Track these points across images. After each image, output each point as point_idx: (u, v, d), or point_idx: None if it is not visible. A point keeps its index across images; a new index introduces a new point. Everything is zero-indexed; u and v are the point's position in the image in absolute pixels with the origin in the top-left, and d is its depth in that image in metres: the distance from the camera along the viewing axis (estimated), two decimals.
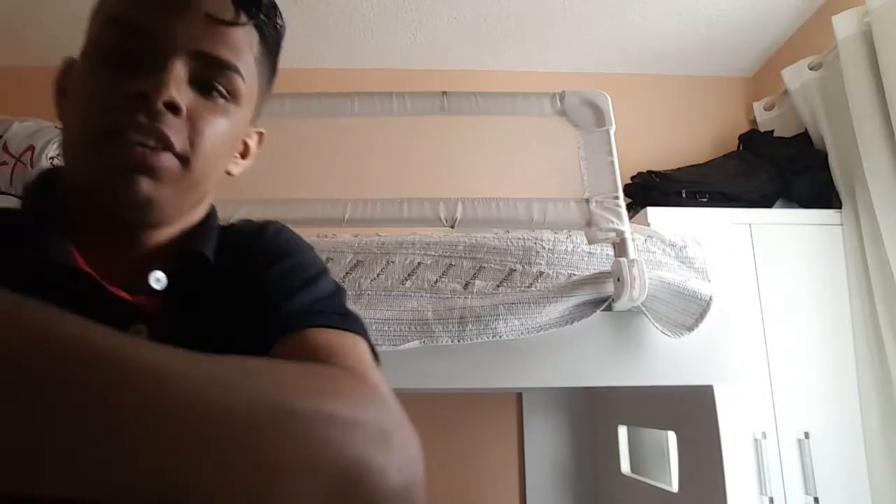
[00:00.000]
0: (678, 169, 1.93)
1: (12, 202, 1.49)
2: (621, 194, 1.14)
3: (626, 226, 1.10)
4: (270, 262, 0.50)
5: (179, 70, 0.44)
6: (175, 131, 0.44)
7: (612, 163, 1.15)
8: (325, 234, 1.28)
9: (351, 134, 1.91)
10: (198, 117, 0.46)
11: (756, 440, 1.46)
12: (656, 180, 1.83)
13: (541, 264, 1.14)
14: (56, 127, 1.63)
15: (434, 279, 1.12)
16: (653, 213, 1.67)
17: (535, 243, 1.16)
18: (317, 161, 1.93)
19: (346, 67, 2.21)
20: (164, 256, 0.49)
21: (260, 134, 0.58)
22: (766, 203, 1.79)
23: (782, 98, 2.01)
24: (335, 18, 1.97)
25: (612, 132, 1.17)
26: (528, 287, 1.12)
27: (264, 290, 0.47)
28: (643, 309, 1.09)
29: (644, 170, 1.90)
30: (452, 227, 1.10)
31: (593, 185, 1.14)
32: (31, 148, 1.55)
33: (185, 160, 0.45)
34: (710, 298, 1.10)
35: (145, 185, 0.44)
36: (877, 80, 1.55)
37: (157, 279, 0.47)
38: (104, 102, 0.44)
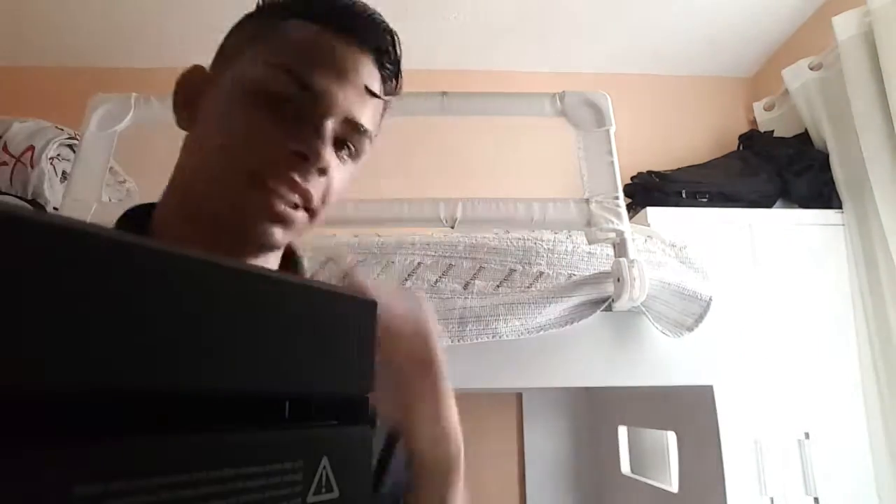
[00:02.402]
0: (678, 169, 1.93)
1: (12, 202, 1.49)
2: (621, 194, 1.14)
3: (626, 226, 1.10)
4: None
5: (332, 134, 0.48)
6: (316, 190, 0.48)
7: (612, 163, 1.15)
8: (325, 234, 1.28)
9: None
10: (332, 175, 0.49)
11: (756, 440, 1.46)
12: (656, 180, 1.83)
13: (541, 264, 1.14)
14: (56, 127, 1.63)
15: (434, 279, 1.12)
16: (653, 213, 1.67)
17: (535, 243, 1.16)
18: None
19: None
20: None
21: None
22: (766, 203, 1.79)
23: (782, 98, 2.01)
24: None
25: (612, 132, 1.17)
26: (528, 287, 1.12)
27: None
28: (643, 309, 1.09)
29: (644, 170, 1.90)
30: (452, 227, 1.10)
31: (593, 185, 1.14)
32: (31, 148, 1.55)
33: (313, 213, 0.49)
34: (710, 298, 1.10)
35: (278, 234, 0.47)
36: (878, 81, 1.56)
37: None
38: (262, 150, 0.46)
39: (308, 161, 0.46)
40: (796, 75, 1.86)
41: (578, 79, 2.26)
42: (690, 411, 1.26)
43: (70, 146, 1.59)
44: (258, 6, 0.53)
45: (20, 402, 0.15)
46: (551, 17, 2.01)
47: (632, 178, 1.87)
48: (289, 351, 0.23)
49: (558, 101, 1.19)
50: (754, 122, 2.16)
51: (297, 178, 0.46)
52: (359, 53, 0.50)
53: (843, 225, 1.67)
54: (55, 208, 1.47)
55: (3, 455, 0.14)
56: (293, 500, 0.22)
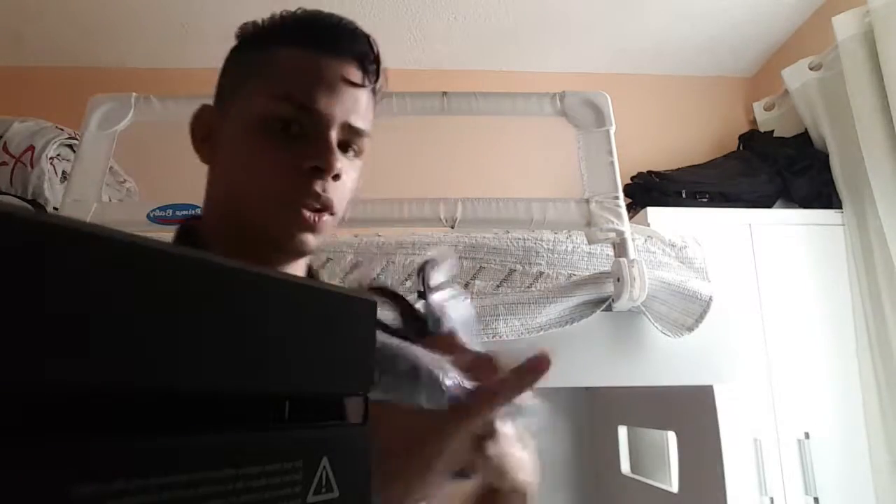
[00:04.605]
0: (678, 169, 1.93)
1: (12, 202, 1.49)
2: (621, 194, 1.14)
3: (626, 226, 1.10)
4: None
5: (336, 142, 0.54)
6: (335, 195, 0.54)
7: (612, 163, 1.15)
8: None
9: None
10: (344, 177, 0.56)
11: (756, 440, 1.46)
12: (656, 180, 1.83)
13: (541, 264, 1.14)
14: (56, 127, 1.63)
15: None
16: (653, 213, 1.67)
17: (536, 243, 1.16)
18: None
19: None
20: None
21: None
22: (766, 203, 1.79)
23: (782, 98, 2.01)
24: None
25: (612, 132, 1.17)
26: (528, 287, 1.12)
27: None
28: (643, 309, 1.09)
29: (644, 170, 1.90)
30: (452, 227, 1.10)
31: (593, 185, 1.14)
32: (31, 148, 1.55)
33: (335, 214, 0.56)
34: (710, 298, 1.10)
35: (311, 240, 0.54)
36: (878, 81, 1.56)
37: None
38: (282, 173, 0.53)
39: (323, 172, 0.53)
40: (796, 75, 1.86)
41: (578, 79, 2.26)
42: (690, 411, 1.26)
43: (70, 146, 1.59)
44: (242, 38, 0.60)
45: (20, 401, 0.15)
46: (551, 18, 2.01)
47: (632, 178, 1.87)
48: (289, 351, 0.23)
49: (558, 101, 1.19)
50: (754, 122, 2.16)
51: (318, 190, 0.53)
52: (343, 63, 0.55)
53: (843, 225, 1.67)
54: (55, 208, 1.47)
55: (2, 455, 0.14)
56: (293, 501, 0.22)
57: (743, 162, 1.92)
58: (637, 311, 1.10)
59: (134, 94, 1.19)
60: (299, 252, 0.55)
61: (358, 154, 0.58)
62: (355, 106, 0.56)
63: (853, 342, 1.58)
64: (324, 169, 0.53)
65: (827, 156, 1.75)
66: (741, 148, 2.06)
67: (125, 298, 0.17)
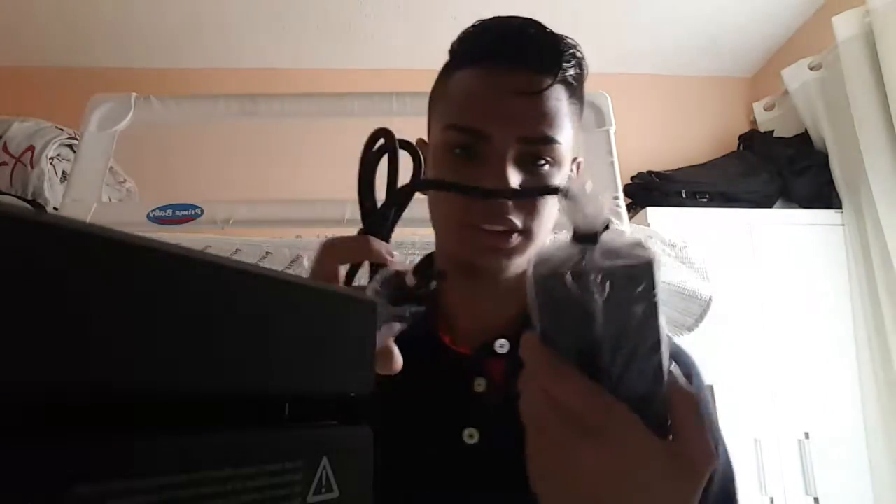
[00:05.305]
0: (678, 169, 1.93)
1: (12, 202, 1.49)
2: (621, 194, 1.14)
3: (626, 226, 1.10)
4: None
5: (510, 160, 0.52)
6: (515, 214, 0.52)
7: (612, 163, 1.15)
8: (325, 234, 1.28)
9: (352, 134, 1.91)
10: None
11: (756, 440, 1.46)
12: (656, 180, 1.83)
13: None
14: (56, 127, 1.63)
15: None
16: (653, 213, 1.67)
17: None
18: (317, 161, 1.93)
19: (346, 68, 2.21)
20: (513, 325, 0.58)
21: (577, 162, 0.62)
22: (766, 203, 1.79)
23: (782, 98, 2.01)
24: (335, 19, 1.97)
25: (612, 132, 1.17)
26: None
27: None
28: None
29: (644, 170, 1.90)
30: None
31: (593, 185, 1.14)
32: (31, 148, 1.55)
33: (528, 233, 0.54)
34: (710, 298, 1.10)
35: (500, 262, 0.54)
36: (878, 81, 1.56)
37: (501, 345, 0.56)
38: (464, 202, 0.53)
39: (492, 196, 0.51)
40: (796, 75, 1.86)
41: None
42: None
43: (70, 146, 1.59)
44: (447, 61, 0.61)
45: (20, 401, 0.15)
46: (551, 18, 2.01)
47: (632, 178, 1.87)
48: (289, 351, 0.23)
49: None
50: (754, 122, 2.16)
51: (493, 212, 0.52)
52: (512, 74, 0.53)
53: (843, 225, 1.67)
54: (55, 208, 1.47)
55: (2, 455, 0.14)
56: (293, 500, 0.22)
57: (743, 162, 1.92)
58: None
59: (134, 94, 1.19)
60: (494, 273, 0.55)
61: (553, 164, 0.54)
62: (534, 115, 0.53)
63: (853, 342, 1.58)
64: (491, 194, 0.51)
65: (827, 156, 1.75)
66: (741, 148, 2.06)
67: (125, 299, 0.17)
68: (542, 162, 0.54)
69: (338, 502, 0.24)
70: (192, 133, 1.88)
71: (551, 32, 0.57)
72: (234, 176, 1.95)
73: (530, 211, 0.53)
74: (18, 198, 1.54)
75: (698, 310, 1.09)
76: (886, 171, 1.51)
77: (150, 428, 0.18)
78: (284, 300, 0.23)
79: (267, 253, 1.11)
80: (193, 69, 2.14)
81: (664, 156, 2.08)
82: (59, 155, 1.58)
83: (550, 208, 0.55)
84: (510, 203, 0.52)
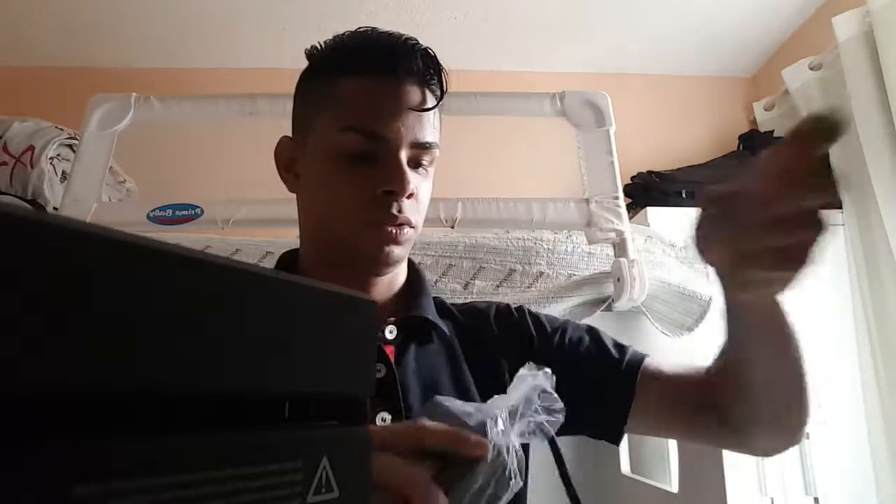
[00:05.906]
0: (678, 169, 1.93)
1: (12, 202, 1.49)
2: (621, 194, 1.14)
3: (626, 226, 1.10)
4: (554, 331, 0.70)
5: (406, 162, 0.59)
6: (412, 212, 0.60)
7: (612, 163, 1.15)
8: None
9: None
10: (418, 192, 0.61)
11: None
12: (656, 180, 1.83)
13: (541, 264, 1.14)
14: (56, 127, 1.63)
15: (434, 279, 1.12)
16: (653, 213, 1.66)
17: (535, 243, 1.16)
18: None
19: None
20: (395, 312, 0.65)
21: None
22: None
23: (782, 98, 2.01)
24: (335, 18, 1.97)
25: (612, 132, 1.17)
26: (528, 287, 1.12)
27: (566, 351, 0.68)
28: (643, 309, 1.09)
29: (644, 170, 1.90)
30: (452, 227, 1.10)
31: (593, 185, 1.14)
32: (31, 148, 1.55)
33: (415, 226, 0.62)
34: (711, 299, 1.10)
35: (396, 252, 0.61)
36: (878, 81, 1.55)
37: (391, 331, 0.62)
38: (362, 200, 0.59)
39: (397, 194, 0.58)
40: (796, 75, 1.86)
41: (578, 79, 2.26)
42: None
43: (70, 146, 1.59)
44: (309, 66, 0.66)
45: (20, 401, 0.15)
46: (551, 18, 2.01)
47: (632, 178, 1.87)
48: (289, 351, 0.23)
49: (558, 101, 1.19)
50: (754, 122, 2.16)
51: (395, 211, 0.58)
52: (404, 84, 0.60)
53: (843, 224, 1.67)
54: (55, 208, 1.47)
55: (2, 455, 0.14)
56: (293, 500, 0.22)
57: (743, 162, 1.92)
58: (637, 312, 1.10)
59: (134, 94, 1.19)
60: (387, 264, 0.61)
61: (430, 165, 0.63)
62: (421, 123, 0.60)
63: (854, 341, 1.58)
64: (397, 191, 0.58)
65: (827, 155, 1.75)
66: (741, 148, 2.06)
67: (125, 299, 0.17)
68: (425, 163, 0.62)
69: (338, 502, 0.24)
70: (192, 133, 1.88)
71: (428, 49, 0.63)
72: (234, 176, 1.95)
73: (417, 207, 0.61)
74: (18, 198, 1.54)
75: (698, 310, 1.09)
76: (887, 170, 1.51)
77: (150, 428, 0.18)
78: (284, 300, 0.23)
79: (267, 253, 1.11)
80: (193, 69, 2.14)
81: (664, 156, 2.07)
82: (59, 155, 1.58)
83: (428, 196, 0.65)
84: (408, 202, 0.60)
